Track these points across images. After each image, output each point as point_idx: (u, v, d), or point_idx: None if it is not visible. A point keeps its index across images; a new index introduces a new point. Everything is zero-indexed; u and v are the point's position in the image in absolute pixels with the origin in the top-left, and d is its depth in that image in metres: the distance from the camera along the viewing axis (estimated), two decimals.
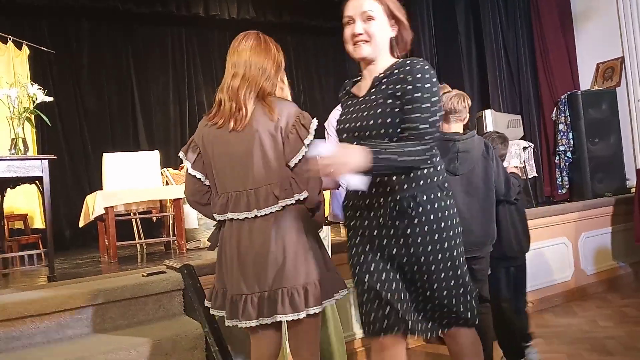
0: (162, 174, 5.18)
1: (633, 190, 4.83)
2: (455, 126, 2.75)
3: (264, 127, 1.83)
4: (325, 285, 1.86)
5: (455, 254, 1.81)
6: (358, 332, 3.40)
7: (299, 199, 1.84)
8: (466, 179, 2.68)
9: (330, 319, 2.61)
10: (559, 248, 4.45)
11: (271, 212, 1.82)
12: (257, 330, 1.90)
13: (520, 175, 3.19)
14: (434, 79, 1.75)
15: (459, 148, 2.65)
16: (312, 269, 1.84)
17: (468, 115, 2.78)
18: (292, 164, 1.85)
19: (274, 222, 1.82)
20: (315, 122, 1.87)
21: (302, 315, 1.79)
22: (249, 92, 1.86)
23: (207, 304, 2.06)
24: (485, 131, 5.38)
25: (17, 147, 3.48)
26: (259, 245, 1.82)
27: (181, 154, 2.01)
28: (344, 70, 9.14)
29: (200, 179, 1.96)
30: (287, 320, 1.83)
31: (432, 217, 1.76)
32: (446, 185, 1.85)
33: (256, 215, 1.83)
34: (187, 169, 1.99)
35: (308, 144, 1.82)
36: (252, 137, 1.84)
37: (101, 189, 4.65)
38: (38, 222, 5.43)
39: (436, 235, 1.76)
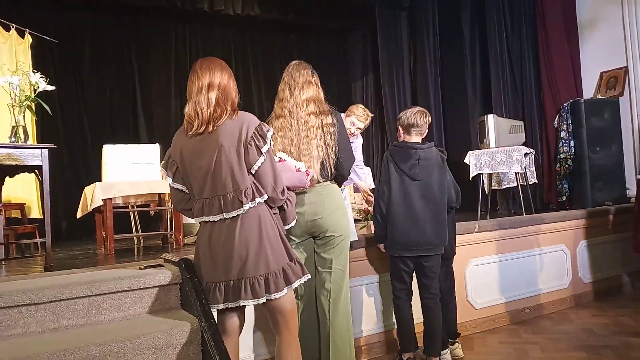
0: (161, 168, 5.16)
1: (633, 200, 4.82)
2: (415, 138, 3.09)
3: (228, 140, 2.12)
4: (286, 274, 2.17)
5: None
6: (363, 329, 3.45)
7: (259, 201, 2.15)
8: (424, 184, 3.01)
9: (336, 317, 2.66)
10: (558, 255, 4.45)
11: (237, 215, 2.13)
12: (223, 312, 2.26)
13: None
14: None
15: (420, 155, 3.01)
16: (272, 261, 2.15)
17: (427, 130, 3.13)
18: (252, 170, 2.15)
19: (240, 223, 2.14)
20: (272, 131, 2.18)
21: (262, 300, 2.13)
22: (222, 97, 2.15)
23: None
24: (483, 138, 5.38)
25: (18, 135, 3.45)
26: (227, 242, 2.14)
27: (162, 170, 2.35)
28: (346, 71, 9.13)
29: (182, 190, 2.30)
30: (254, 305, 2.16)
31: None
32: None
33: (225, 218, 2.14)
34: (169, 183, 2.33)
35: (265, 152, 2.13)
36: (219, 150, 2.12)
37: (100, 181, 4.62)
38: (35, 212, 5.40)
39: None
